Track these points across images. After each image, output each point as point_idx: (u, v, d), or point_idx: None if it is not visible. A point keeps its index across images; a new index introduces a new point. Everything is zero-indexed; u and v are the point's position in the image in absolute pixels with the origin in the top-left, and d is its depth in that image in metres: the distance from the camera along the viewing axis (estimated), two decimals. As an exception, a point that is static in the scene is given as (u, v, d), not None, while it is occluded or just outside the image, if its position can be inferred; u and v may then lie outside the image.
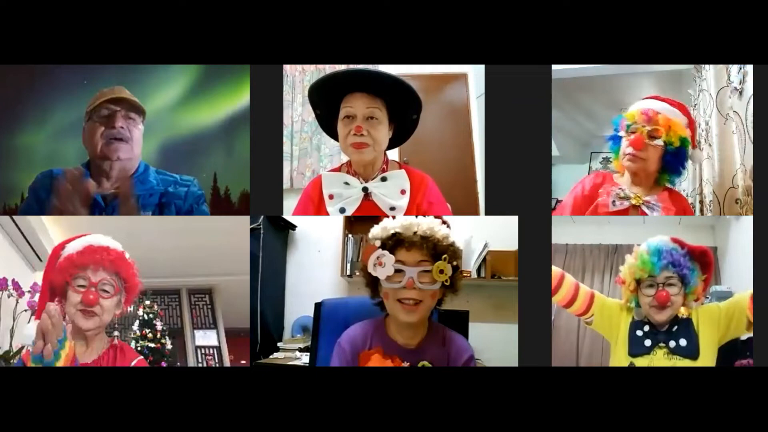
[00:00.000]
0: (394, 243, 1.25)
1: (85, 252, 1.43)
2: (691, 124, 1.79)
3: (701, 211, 2.13)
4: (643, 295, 1.62)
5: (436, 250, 1.24)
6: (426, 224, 1.25)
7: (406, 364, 1.27)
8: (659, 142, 1.71)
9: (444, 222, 1.31)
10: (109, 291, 1.43)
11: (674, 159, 1.74)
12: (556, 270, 1.73)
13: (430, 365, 1.28)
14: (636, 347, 1.63)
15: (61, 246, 1.46)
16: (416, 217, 1.28)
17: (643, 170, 1.76)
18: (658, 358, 1.59)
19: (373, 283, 1.31)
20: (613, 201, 1.79)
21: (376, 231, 1.29)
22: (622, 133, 1.78)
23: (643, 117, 1.73)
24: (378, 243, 1.27)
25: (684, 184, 2.25)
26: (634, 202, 1.77)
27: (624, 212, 1.78)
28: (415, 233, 1.24)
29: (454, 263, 1.26)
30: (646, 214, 1.78)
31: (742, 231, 2.61)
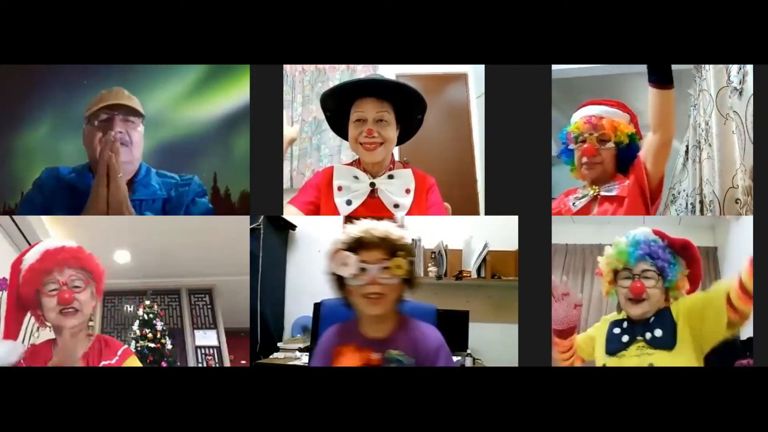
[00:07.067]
0: (356, 245, 1.38)
1: (45, 257, 1.46)
2: (633, 118, 1.86)
3: (701, 211, 2.13)
4: (620, 287, 1.61)
5: (394, 248, 1.38)
6: (382, 227, 1.40)
7: (376, 355, 1.36)
8: (610, 144, 1.81)
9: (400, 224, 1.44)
10: (79, 285, 1.47)
11: (628, 154, 1.83)
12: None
13: (396, 352, 1.37)
14: (613, 344, 1.59)
15: (18, 261, 1.49)
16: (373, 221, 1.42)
17: (602, 172, 1.85)
18: (630, 353, 1.55)
19: (339, 284, 1.42)
20: (573, 203, 1.89)
21: (340, 237, 1.42)
22: (572, 146, 1.87)
23: (588, 126, 1.83)
24: (342, 247, 1.39)
25: (684, 184, 2.25)
26: (592, 193, 1.86)
27: (586, 208, 1.86)
28: (373, 236, 1.38)
29: (409, 259, 1.39)
30: (606, 201, 1.83)
31: (742, 231, 2.60)
